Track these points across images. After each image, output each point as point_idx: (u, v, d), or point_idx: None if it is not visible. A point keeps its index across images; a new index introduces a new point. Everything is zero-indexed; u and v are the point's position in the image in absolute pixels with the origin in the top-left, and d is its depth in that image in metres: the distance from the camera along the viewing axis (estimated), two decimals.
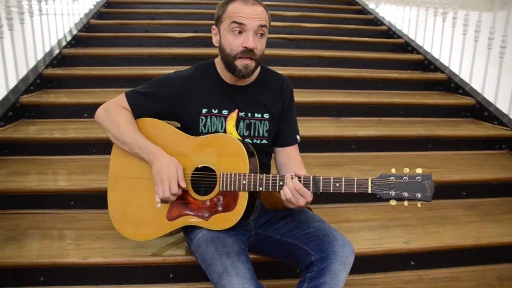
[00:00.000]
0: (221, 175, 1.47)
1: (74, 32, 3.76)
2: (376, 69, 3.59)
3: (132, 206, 1.59)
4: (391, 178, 1.36)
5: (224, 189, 1.46)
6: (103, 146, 2.37)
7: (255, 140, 1.61)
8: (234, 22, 1.47)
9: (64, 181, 2.16)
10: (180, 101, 1.60)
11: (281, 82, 1.68)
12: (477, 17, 3.25)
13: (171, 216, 1.54)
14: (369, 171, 2.38)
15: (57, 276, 1.74)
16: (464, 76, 3.38)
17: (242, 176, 1.44)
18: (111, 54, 3.44)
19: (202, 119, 1.58)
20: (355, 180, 1.37)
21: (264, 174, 1.43)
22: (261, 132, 1.62)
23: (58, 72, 3.13)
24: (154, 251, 1.75)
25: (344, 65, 3.61)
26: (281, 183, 1.41)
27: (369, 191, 1.36)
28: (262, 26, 1.49)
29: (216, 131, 1.58)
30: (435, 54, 3.76)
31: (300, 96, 2.89)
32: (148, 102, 1.61)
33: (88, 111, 2.70)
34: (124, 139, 1.55)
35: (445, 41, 3.64)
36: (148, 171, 1.54)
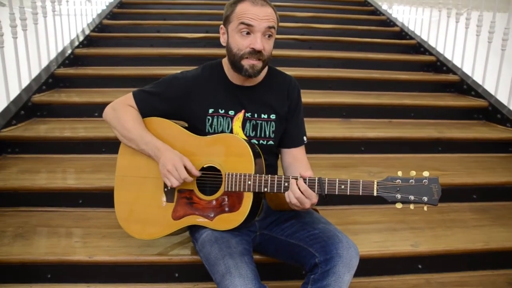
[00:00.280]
0: (227, 175, 1.46)
1: (87, 32, 3.80)
2: (387, 70, 3.56)
3: (139, 205, 1.60)
4: (397, 181, 1.34)
5: (229, 189, 1.46)
6: (112, 145, 2.36)
7: (261, 141, 1.61)
8: (242, 23, 1.47)
9: (74, 179, 2.18)
10: (186, 101, 1.60)
11: (288, 83, 1.67)
12: (491, 18, 3.20)
13: (176, 215, 1.55)
14: (378, 173, 2.36)
15: (64, 273, 1.76)
16: (477, 77, 3.34)
17: (247, 176, 1.44)
18: (122, 54, 3.46)
19: (209, 119, 1.59)
20: (361, 182, 1.35)
21: (270, 175, 1.43)
22: (267, 133, 1.61)
23: (70, 71, 3.16)
24: (160, 250, 1.76)
25: (355, 66, 3.59)
26: (286, 184, 1.41)
27: (375, 194, 1.35)
28: (270, 27, 1.49)
29: (222, 131, 1.58)
30: (448, 55, 3.72)
31: (310, 97, 2.89)
32: (155, 102, 1.61)
33: (98, 110, 2.71)
34: (131, 136, 1.56)
35: (458, 43, 3.59)
36: (155, 170, 1.55)
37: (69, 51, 3.36)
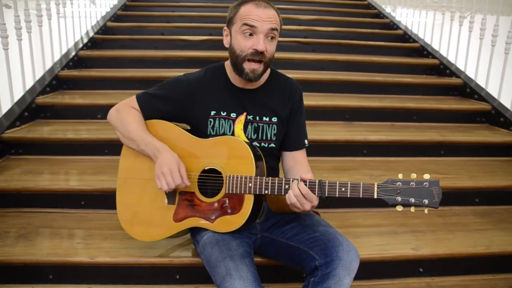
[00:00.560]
0: (228, 177, 1.47)
1: (91, 34, 3.82)
2: (390, 73, 3.56)
3: (141, 207, 1.61)
4: (398, 183, 1.35)
5: (230, 192, 1.47)
6: (115, 147, 2.37)
7: (262, 144, 1.61)
8: (245, 24, 1.48)
9: (76, 181, 2.20)
10: (189, 103, 1.61)
11: (290, 85, 1.68)
12: (495, 21, 3.20)
13: (178, 217, 1.55)
14: (379, 176, 2.36)
15: (66, 274, 1.77)
16: (480, 81, 3.33)
17: (248, 179, 1.44)
18: (126, 56, 3.48)
19: (211, 122, 1.59)
20: (361, 184, 1.36)
21: (270, 178, 1.43)
22: (269, 135, 1.62)
23: (73, 73, 3.18)
24: (161, 252, 1.77)
25: (358, 69, 3.59)
26: (286, 186, 1.41)
27: (375, 196, 1.35)
28: (273, 29, 1.50)
29: (224, 134, 1.59)
30: (451, 58, 3.71)
31: (313, 99, 2.89)
32: (158, 104, 1.63)
33: (101, 112, 2.74)
34: (132, 136, 1.57)
35: (462, 46, 3.59)
36: None
37: (73, 53, 3.37)
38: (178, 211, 1.55)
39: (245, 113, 1.61)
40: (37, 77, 2.97)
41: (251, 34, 1.49)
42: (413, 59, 3.92)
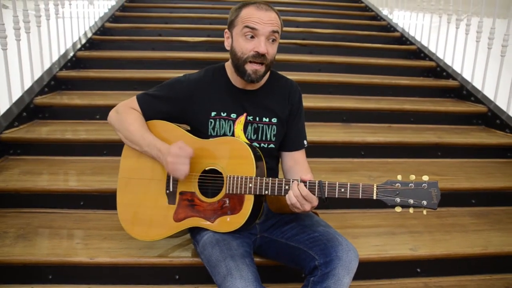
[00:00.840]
0: (228, 177, 1.48)
1: (89, 35, 3.81)
2: (387, 75, 3.57)
3: (142, 207, 1.62)
4: (397, 184, 1.36)
5: (231, 192, 1.48)
6: (114, 148, 2.41)
7: (262, 144, 1.63)
8: (246, 26, 1.49)
9: (75, 181, 2.20)
10: (189, 104, 1.62)
11: (289, 87, 1.69)
12: (491, 24, 3.22)
13: (178, 217, 1.56)
14: (377, 177, 2.37)
15: (65, 274, 1.77)
16: (477, 83, 3.36)
17: (248, 179, 1.45)
18: (124, 57, 3.48)
19: (211, 122, 1.60)
20: (361, 186, 1.37)
21: (270, 178, 1.44)
22: (268, 136, 1.63)
23: (72, 74, 3.18)
24: (160, 252, 1.77)
25: (355, 71, 3.61)
26: (286, 187, 1.42)
27: (374, 197, 1.36)
28: (274, 31, 1.51)
29: (224, 134, 1.60)
30: (448, 61, 3.74)
31: (311, 101, 2.91)
32: (158, 105, 1.63)
33: (100, 113, 2.74)
34: (134, 138, 1.58)
35: (458, 48, 3.62)
36: (158, 172, 1.57)
37: (72, 54, 3.37)
38: (178, 211, 1.56)
39: (245, 114, 1.62)
40: (36, 77, 2.97)
41: (252, 37, 1.50)
42: (410, 61, 3.94)
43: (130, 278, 1.79)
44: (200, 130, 1.61)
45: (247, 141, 1.59)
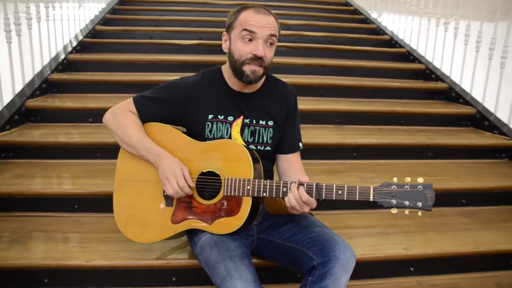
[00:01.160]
0: (226, 180, 1.49)
1: (80, 37, 3.80)
2: (378, 78, 3.62)
3: (138, 209, 1.62)
4: (393, 186, 1.38)
5: (228, 194, 1.49)
6: (107, 151, 2.40)
7: (259, 147, 1.64)
8: (245, 29, 1.51)
9: (69, 184, 2.19)
10: (186, 107, 1.63)
11: (285, 90, 1.71)
12: (479, 27, 3.28)
13: (176, 219, 1.57)
14: (370, 179, 2.40)
15: (61, 278, 1.76)
16: (465, 85, 3.42)
17: (246, 181, 1.47)
18: (116, 60, 3.47)
19: (208, 125, 1.61)
20: (357, 188, 1.39)
21: (268, 180, 1.46)
22: (265, 139, 1.65)
23: (63, 77, 3.16)
24: (157, 255, 1.77)
25: (346, 73, 3.64)
26: (284, 189, 1.44)
27: (371, 199, 1.38)
28: (272, 35, 1.53)
29: (221, 137, 1.61)
30: (437, 63, 3.79)
31: (302, 103, 2.88)
32: (155, 107, 1.64)
33: (92, 115, 2.73)
34: (131, 142, 1.58)
35: (447, 51, 3.67)
36: (154, 174, 1.57)
37: (63, 57, 3.36)
38: (176, 213, 1.57)
39: (242, 117, 1.63)
40: (27, 80, 2.94)
41: (250, 40, 1.52)
42: (400, 64, 4.00)
43: (127, 281, 1.78)
44: (197, 133, 1.62)
45: (244, 144, 1.60)
